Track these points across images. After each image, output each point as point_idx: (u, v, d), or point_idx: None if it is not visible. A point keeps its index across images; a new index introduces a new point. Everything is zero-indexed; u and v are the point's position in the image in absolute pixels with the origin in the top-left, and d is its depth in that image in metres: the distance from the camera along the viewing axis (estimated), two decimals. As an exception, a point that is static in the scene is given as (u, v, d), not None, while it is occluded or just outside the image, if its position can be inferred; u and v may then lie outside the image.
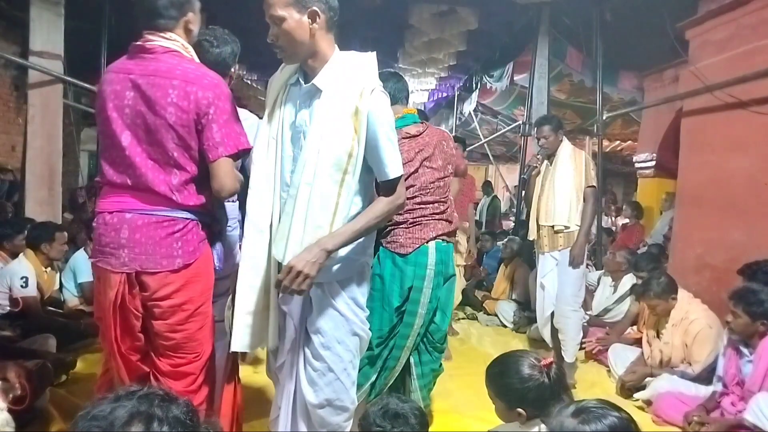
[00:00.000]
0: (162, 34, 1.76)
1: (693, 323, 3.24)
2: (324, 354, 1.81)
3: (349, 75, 1.73)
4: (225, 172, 1.75)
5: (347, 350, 1.85)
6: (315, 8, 1.65)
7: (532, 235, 3.76)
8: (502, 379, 1.69)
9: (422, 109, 11.62)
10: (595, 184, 3.58)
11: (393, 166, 1.74)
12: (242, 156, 1.84)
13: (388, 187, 1.77)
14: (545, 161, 3.71)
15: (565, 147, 3.62)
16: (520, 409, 1.63)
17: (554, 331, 3.64)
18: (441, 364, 2.71)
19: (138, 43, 1.77)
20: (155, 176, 1.73)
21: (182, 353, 1.83)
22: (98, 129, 1.83)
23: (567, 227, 3.50)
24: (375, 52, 1.83)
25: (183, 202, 1.76)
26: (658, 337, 3.44)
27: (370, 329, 2.46)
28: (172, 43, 1.77)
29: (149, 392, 0.96)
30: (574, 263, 3.47)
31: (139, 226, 1.73)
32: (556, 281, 3.57)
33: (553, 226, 3.54)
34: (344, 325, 1.83)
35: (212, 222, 1.91)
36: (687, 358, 3.28)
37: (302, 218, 1.70)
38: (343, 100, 1.69)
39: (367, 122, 1.68)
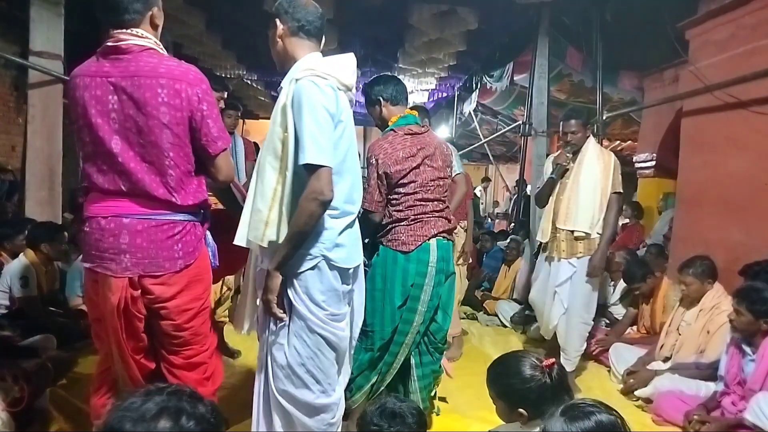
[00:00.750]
0: (132, 32, 1.73)
1: (722, 314, 3.21)
2: (282, 344, 1.87)
3: (299, 71, 1.84)
4: (227, 165, 1.85)
5: (304, 346, 1.86)
6: (276, 20, 1.92)
7: (544, 238, 3.46)
8: (504, 379, 1.69)
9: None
10: (621, 189, 3.29)
11: (308, 151, 1.71)
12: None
13: (309, 178, 1.74)
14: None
15: (592, 145, 3.34)
16: (521, 410, 1.62)
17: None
18: (441, 366, 2.71)
19: (110, 43, 1.73)
20: (152, 179, 1.72)
21: (190, 347, 1.88)
22: (78, 136, 1.78)
23: (588, 234, 3.24)
24: (352, 53, 1.97)
25: (182, 202, 1.76)
26: (678, 330, 3.43)
27: (371, 330, 2.49)
28: (146, 41, 1.75)
29: (178, 389, 1.01)
30: (593, 272, 3.24)
31: (139, 230, 1.73)
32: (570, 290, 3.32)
33: (572, 231, 3.27)
34: (299, 320, 1.85)
35: (204, 219, 1.92)
36: (703, 345, 3.27)
37: (250, 204, 1.86)
38: (282, 94, 1.85)
39: (291, 108, 1.78)
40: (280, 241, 1.78)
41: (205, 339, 1.92)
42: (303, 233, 1.77)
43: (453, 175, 4.00)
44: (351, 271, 1.95)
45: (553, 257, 3.41)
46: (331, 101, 1.78)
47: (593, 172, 3.26)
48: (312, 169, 1.73)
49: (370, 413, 1.67)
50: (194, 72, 1.78)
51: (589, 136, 3.36)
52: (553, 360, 1.66)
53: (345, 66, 1.90)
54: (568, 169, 3.38)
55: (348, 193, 1.92)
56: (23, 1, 4.45)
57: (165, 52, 1.82)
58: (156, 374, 1.89)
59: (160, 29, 1.84)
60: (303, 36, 1.92)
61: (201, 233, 1.87)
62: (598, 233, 3.25)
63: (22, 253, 3.66)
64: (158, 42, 1.80)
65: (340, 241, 1.88)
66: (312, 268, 1.84)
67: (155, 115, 1.68)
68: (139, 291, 1.75)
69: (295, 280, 1.84)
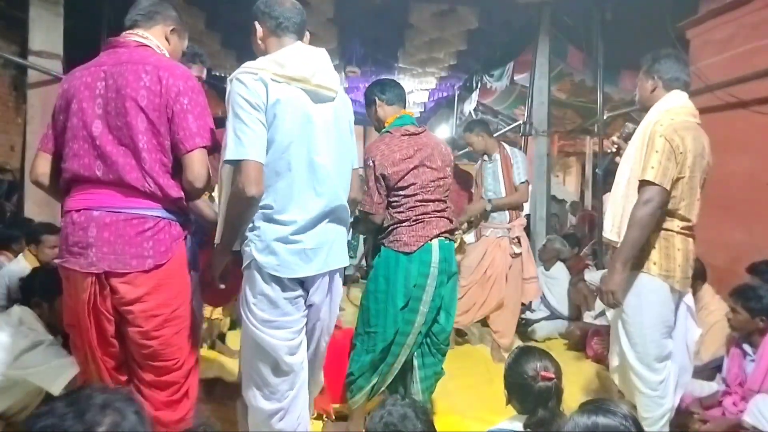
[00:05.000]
0: (137, 33, 1.81)
1: (711, 314, 3.22)
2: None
3: None
4: (201, 162, 1.74)
5: (245, 347, 1.94)
6: (255, 23, 1.94)
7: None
8: (510, 363, 1.83)
9: (422, 109, 11.67)
10: (652, 178, 2.25)
11: (228, 148, 1.75)
12: (211, 152, 1.83)
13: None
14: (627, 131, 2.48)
15: (661, 104, 2.41)
16: (514, 401, 1.78)
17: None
18: (442, 367, 2.71)
19: (113, 39, 1.81)
20: (126, 162, 1.69)
21: (161, 361, 1.76)
22: (59, 125, 1.79)
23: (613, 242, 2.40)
24: (323, 49, 1.94)
25: (156, 191, 1.71)
26: None
27: (374, 332, 2.48)
28: (148, 41, 1.81)
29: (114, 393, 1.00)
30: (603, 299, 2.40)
31: (107, 224, 1.68)
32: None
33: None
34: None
35: (185, 221, 1.86)
36: (697, 346, 3.25)
37: None
38: None
39: None
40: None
41: (178, 352, 1.78)
42: (229, 226, 1.81)
43: (517, 183, 3.99)
44: (290, 280, 1.83)
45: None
46: (253, 93, 1.73)
47: (629, 153, 2.40)
48: (236, 165, 1.72)
49: (378, 415, 1.64)
50: (183, 69, 1.80)
51: (655, 89, 2.43)
52: (551, 376, 1.71)
53: (290, 57, 1.82)
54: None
55: (286, 196, 1.80)
56: (22, 1, 4.44)
57: (166, 55, 1.84)
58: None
59: (175, 51, 1.90)
60: (281, 33, 1.90)
61: (177, 234, 1.79)
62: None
63: (21, 254, 3.65)
64: (161, 46, 1.84)
65: (275, 248, 1.79)
66: (248, 267, 1.84)
67: (134, 97, 1.69)
68: (108, 289, 1.68)
69: (244, 277, 1.88)
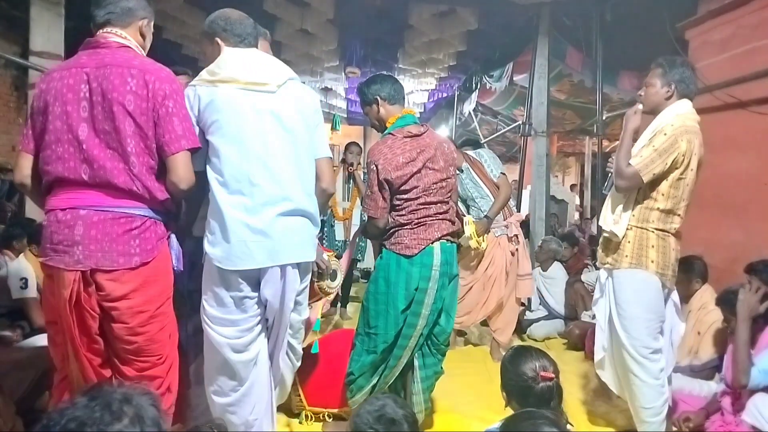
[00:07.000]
0: (115, 32, 1.80)
1: (710, 313, 3.21)
2: None
3: None
4: (185, 165, 1.78)
5: (207, 342, 1.94)
6: (216, 39, 2.00)
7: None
8: (506, 366, 1.80)
9: (422, 110, 11.69)
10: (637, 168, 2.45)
11: None
12: (193, 154, 1.85)
13: None
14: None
15: (674, 109, 2.54)
16: (513, 403, 1.74)
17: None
18: (442, 366, 2.71)
19: (92, 38, 1.80)
20: (114, 166, 1.71)
21: (145, 357, 1.78)
22: (39, 126, 1.77)
23: (614, 234, 2.55)
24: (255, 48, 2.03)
25: (144, 193, 1.74)
26: None
27: (375, 333, 2.49)
28: (128, 41, 1.82)
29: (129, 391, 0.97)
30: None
31: (94, 222, 1.69)
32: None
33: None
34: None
35: (168, 220, 1.89)
36: (695, 346, 3.27)
37: None
38: None
39: None
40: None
41: (162, 348, 1.81)
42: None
43: (495, 179, 3.96)
44: (237, 278, 1.87)
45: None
46: (187, 101, 1.86)
47: (635, 150, 2.53)
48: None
49: (365, 414, 1.60)
50: (167, 72, 1.81)
51: (671, 96, 2.51)
52: (552, 375, 1.70)
53: (222, 62, 1.92)
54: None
55: (229, 190, 1.85)
56: (24, 1, 4.46)
57: (144, 55, 1.86)
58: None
59: (147, 42, 1.91)
60: (243, 47, 1.99)
61: (162, 233, 1.82)
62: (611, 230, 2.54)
63: (22, 254, 3.66)
64: (139, 46, 1.85)
65: (220, 239, 1.85)
66: (205, 262, 1.91)
67: (121, 101, 1.70)
68: (93, 287, 1.69)
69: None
